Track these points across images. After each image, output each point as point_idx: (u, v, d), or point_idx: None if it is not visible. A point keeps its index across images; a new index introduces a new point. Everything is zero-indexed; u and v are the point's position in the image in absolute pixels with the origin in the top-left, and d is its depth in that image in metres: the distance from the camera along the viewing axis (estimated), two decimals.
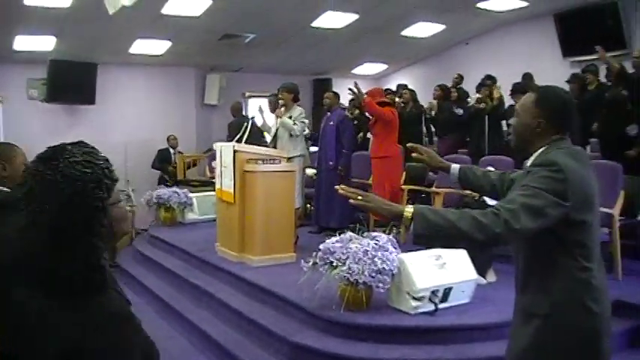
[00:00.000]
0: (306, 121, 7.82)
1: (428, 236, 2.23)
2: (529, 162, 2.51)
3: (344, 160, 8.10)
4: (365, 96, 7.85)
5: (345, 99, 9.92)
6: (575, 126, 2.62)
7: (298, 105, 7.82)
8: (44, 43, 10.99)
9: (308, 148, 8.72)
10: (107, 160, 1.56)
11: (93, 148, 1.55)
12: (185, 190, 9.91)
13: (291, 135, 7.60)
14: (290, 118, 7.61)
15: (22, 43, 10.86)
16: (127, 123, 12.55)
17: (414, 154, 2.95)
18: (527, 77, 9.71)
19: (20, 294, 1.47)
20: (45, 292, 1.46)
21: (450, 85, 10.79)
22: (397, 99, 10.49)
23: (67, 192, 1.43)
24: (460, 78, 11.20)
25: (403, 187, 7.90)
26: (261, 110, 8.16)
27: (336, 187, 2.53)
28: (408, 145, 3.06)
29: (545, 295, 2.40)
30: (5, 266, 1.53)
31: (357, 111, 10.06)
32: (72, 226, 1.44)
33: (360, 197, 2.33)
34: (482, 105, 9.28)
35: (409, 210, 2.23)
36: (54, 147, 1.52)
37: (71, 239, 1.45)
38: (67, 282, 1.45)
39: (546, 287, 2.41)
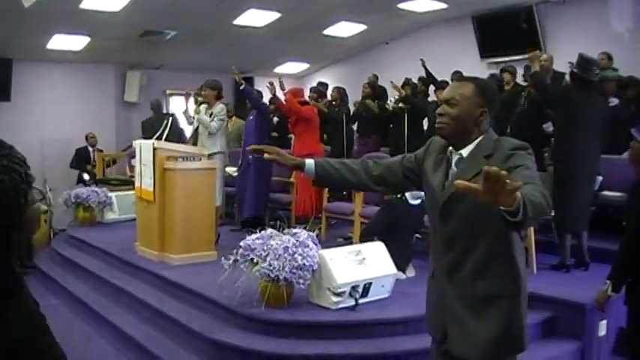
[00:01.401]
0: (225, 118, 7.78)
1: (532, 219, 2.04)
2: (465, 151, 2.56)
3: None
4: (287, 92, 7.96)
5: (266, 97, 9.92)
6: None
7: (222, 102, 7.79)
8: None
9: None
10: (25, 161, 1.49)
11: (11, 148, 1.48)
12: (104, 189, 9.70)
13: (209, 132, 7.55)
14: (211, 115, 7.56)
15: None
16: (44, 121, 12.19)
17: (265, 155, 2.72)
18: (458, 75, 9.90)
19: None
20: None
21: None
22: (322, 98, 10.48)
23: None
24: (375, 77, 11.32)
25: None
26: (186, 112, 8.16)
27: (252, 147, 2.58)
28: (252, 147, 2.85)
29: (513, 276, 2.55)
30: None
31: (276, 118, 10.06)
32: None
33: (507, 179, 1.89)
34: (400, 104, 9.43)
35: (519, 195, 1.94)
36: None
37: None
38: None
39: (513, 268, 2.55)
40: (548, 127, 7.55)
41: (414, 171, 2.78)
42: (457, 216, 2.53)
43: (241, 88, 7.96)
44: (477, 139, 2.56)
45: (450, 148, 2.62)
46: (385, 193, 3.09)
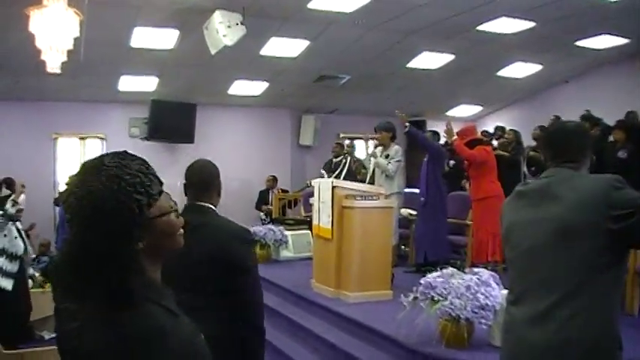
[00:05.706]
0: (402, 159, 7.79)
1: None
2: None
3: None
4: (455, 138, 7.74)
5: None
6: (566, 153, 2.56)
7: (396, 144, 7.84)
8: (147, 84, 11.48)
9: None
10: (144, 173, 1.47)
11: (132, 159, 1.48)
12: (281, 227, 10.00)
13: (387, 175, 7.61)
14: (387, 157, 7.63)
15: (127, 83, 11.38)
16: (224, 161, 12.55)
17: None
18: (632, 115, 9.45)
19: (67, 306, 1.47)
20: (78, 305, 1.44)
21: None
22: (495, 142, 10.30)
23: (89, 209, 1.39)
24: (557, 119, 10.97)
25: None
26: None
27: None
28: None
29: None
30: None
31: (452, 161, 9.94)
32: (95, 242, 1.39)
33: None
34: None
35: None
36: (93, 161, 1.47)
37: (95, 254, 1.40)
38: (91, 295, 1.41)
39: None
40: (623, 154, 7.62)
41: None
42: None
43: (406, 130, 7.90)
44: None
45: None
46: None
